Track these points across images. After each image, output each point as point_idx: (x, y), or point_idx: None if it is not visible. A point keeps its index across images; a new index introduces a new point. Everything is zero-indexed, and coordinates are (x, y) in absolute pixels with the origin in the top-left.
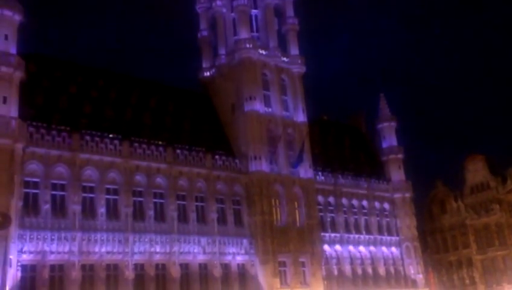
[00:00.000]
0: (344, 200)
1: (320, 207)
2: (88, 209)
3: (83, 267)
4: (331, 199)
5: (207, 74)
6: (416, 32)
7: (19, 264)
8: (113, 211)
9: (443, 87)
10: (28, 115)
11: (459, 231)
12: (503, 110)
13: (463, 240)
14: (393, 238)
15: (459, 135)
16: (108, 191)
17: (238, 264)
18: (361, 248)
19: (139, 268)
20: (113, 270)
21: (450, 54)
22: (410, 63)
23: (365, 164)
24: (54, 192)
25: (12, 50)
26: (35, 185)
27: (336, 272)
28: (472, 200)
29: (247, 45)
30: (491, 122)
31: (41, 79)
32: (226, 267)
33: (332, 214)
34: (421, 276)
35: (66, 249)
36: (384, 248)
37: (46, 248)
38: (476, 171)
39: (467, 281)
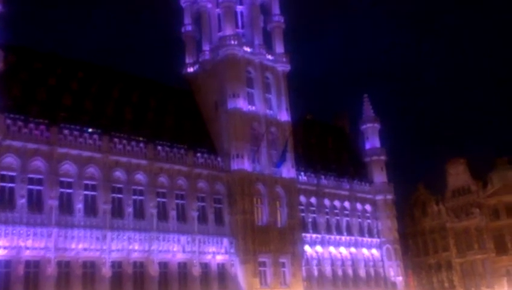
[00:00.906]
0: (326, 201)
1: (302, 207)
2: (65, 204)
3: (59, 264)
4: (313, 200)
5: (190, 69)
6: (402, 34)
7: None
8: (91, 207)
9: (427, 90)
10: (6, 107)
11: (439, 234)
12: (485, 115)
13: (443, 244)
14: (374, 240)
15: (441, 139)
16: (86, 187)
17: (217, 264)
18: (342, 249)
19: (117, 266)
20: (90, 268)
21: (434, 57)
22: (395, 65)
23: (348, 165)
24: (30, 186)
25: None
26: (11, 178)
27: (316, 273)
28: (453, 204)
29: (232, 42)
30: (474, 126)
31: (20, 70)
32: (205, 266)
33: (314, 215)
34: (401, 278)
35: (42, 245)
36: (365, 250)
37: (22, 244)
38: (458, 175)
39: (446, 284)
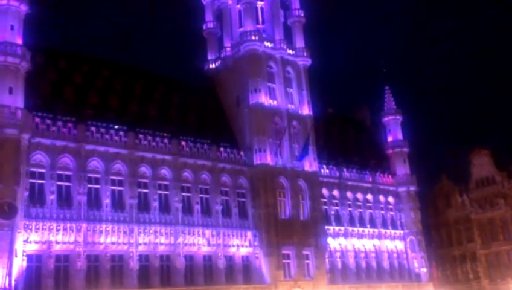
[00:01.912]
0: (349, 194)
1: (325, 200)
2: (93, 200)
3: (88, 257)
4: (335, 192)
5: (212, 66)
6: (423, 26)
7: (25, 254)
8: (118, 202)
9: (449, 81)
10: (34, 106)
11: (463, 225)
12: (510, 105)
13: (467, 235)
14: (398, 232)
15: (464, 129)
16: (113, 183)
17: (242, 257)
18: (366, 242)
19: (144, 259)
20: (118, 261)
21: (457, 47)
22: (417, 56)
23: (370, 157)
24: (59, 182)
25: (19, 41)
26: (41, 175)
27: (339, 266)
28: (477, 195)
29: (253, 37)
30: (498, 116)
31: (47, 70)
32: (230, 259)
33: (337, 207)
34: (425, 270)
35: (72, 239)
36: (388, 242)
37: (52, 238)
38: (482, 165)
39: (471, 276)
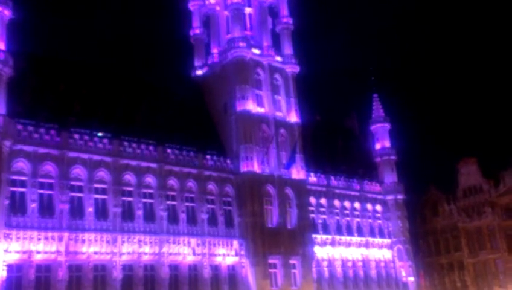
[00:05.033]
0: (336, 202)
1: (312, 209)
2: (76, 208)
3: (70, 267)
4: (323, 201)
5: (199, 72)
6: (411, 34)
7: (5, 264)
8: (101, 211)
9: (437, 90)
10: (16, 112)
11: (451, 234)
12: (496, 114)
13: (455, 243)
14: (385, 240)
15: (452, 138)
16: (97, 191)
17: (228, 266)
18: (353, 250)
19: (128, 269)
20: (101, 271)
21: (444, 56)
22: (405, 65)
23: (358, 165)
24: (41, 191)
25: (2, 46)
26: (22, 183)
27: (326, 275)
28: (465, 203)
29: (240, 44)
30: (485, 125)
31: (30, 76)
32: (216, 268)
33: (324, 216)
34: (412, 279)
35: (53, 249)
36: (375, 251)
37: (33, 248)
38: (469, 174)
39: (459, 285)
